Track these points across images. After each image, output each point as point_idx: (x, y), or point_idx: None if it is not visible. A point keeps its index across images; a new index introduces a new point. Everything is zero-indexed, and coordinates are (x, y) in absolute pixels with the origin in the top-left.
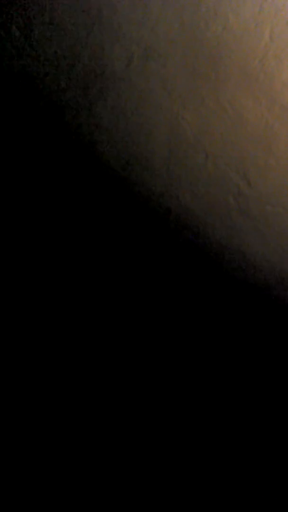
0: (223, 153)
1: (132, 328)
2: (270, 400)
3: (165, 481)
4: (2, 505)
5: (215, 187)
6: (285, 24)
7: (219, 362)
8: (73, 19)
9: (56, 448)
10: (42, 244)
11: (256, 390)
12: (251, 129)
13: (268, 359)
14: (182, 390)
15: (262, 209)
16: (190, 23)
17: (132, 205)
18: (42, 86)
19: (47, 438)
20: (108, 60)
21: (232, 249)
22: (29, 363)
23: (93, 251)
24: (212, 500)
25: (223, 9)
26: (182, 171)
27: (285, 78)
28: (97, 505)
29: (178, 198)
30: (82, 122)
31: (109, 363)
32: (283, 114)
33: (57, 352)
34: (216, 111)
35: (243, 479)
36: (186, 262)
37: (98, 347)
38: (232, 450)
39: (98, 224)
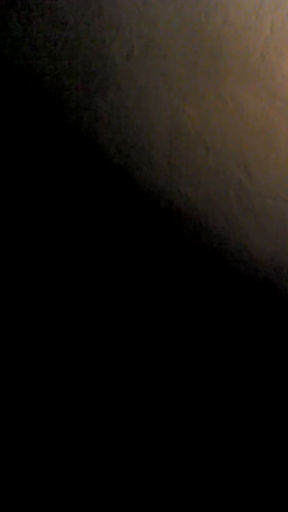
0: (224, 147)
1: (133, 321)
2: (271, 394)
3: (165, 480)
4: (2, 505)
5: (216, 180)
6: (286, 17)
7: (220, 356)
8: (74, 12)
9: (56, 447)
10: (41, 238)
11: (257, 383)
12: (251, 123)
13: (269, 352)
14: (182, 385)
15: (263, 202)
16: (190, 16)
17: (133, 199)
18: (42, 79)
19: (47, 438)
20: (108, 53)
21: (233, 242)
22: (27, 357)
23: (94, 244)
24: (212, 500)
25: (223, 2)
26: (183, 164)
27: (285, 72)
28: (97, 505)
29: (179, 191)
30: (83, 115)
31: (109, 357)
32: (283, 107)
33: (56, 345)
34: (216, 104)
35: (243, 478)
36: (187, 255)
37: (98, 340)
38: (233, 447)
39: (99, 218)
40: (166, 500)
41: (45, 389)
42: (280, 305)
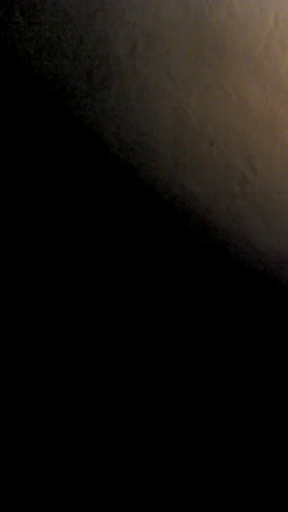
0: (228, 140)
1: (135, 316)
2: (272, 386)
3: (165, 480)
4: (2, 505)
5: (220, 174)
6: None
7: (222, 347)
8: (77, 5)
9: (55, 447)
10: (42, 232)
11: (259, 375)
12: (255, 116)
13: (270, 343)
14: (183, 375)
15: (267, 195)
16: (194, 9)
17: (136, 192)
18: (46, 72)
19: (46, 438)
20: (112, 47)
21: (237, 236)
22: (27, 357)
23: (96, 238)
24: (212, 500)
25: None
26: (187, 158)
27: None
28: (97, 505)
29: (183, 185)
30: (86, 109)
31: (111, 345)
32: None
33: (57, 334)
34: (220, 97)
35: (243, 477)
36: (190, 248)
37: (99, 334)
38: (234, 443)
39: (102, 212)
40: (166, 499)
41: (45, 386)
42: (284, 299)
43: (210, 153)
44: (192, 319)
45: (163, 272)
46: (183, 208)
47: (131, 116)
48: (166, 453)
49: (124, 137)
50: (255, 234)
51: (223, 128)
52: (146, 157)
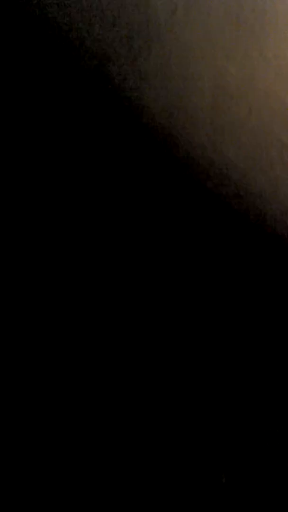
0: (267, 106)
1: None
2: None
3: (165, 480)
4: (2, 505)
5: (258, 140)
6: None
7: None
8: None
9: (56, 447)
10: (81, 192)
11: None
12: None
13: None
14: (185, 369)
15: None
16: None
17: (175, 158)
18: (87, 37)
19: (46, 438)
20: (152, 11)
21: (275, 203)
22: (27, 354)
23: (133, 203)
24: (212, 500)
25: None
26: (226, 123)
27: None
28: (97, 505)
29: (221, 150)
30: (127, 74)
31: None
32: None
33: (58, 328)
34: (260, 63)
35: (244, 476)
36: (227, 214)
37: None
38: (235, 437)
39: (140, 176)
40: (166, 499)
41: (44, 385)
42: None
43: (249, 119)
44: (224, 290)
45: (198, 238)
46: (221, 174)
47: (171, 81)
48: (166, 451)
49: (163, 102)
50: None
51: (263, 95)
52: (185, 122)
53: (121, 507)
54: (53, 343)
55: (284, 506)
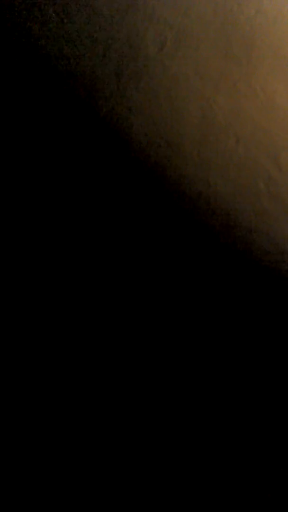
0: (254, 138)
1: (151, 315)
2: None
3: (165, 480)
4: (2, 505)
5: (246, 171)
6: None
7: (239, 350)
8: (109, 3)
9: (56, 447)
10: (70, 222)
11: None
12: (282, 114)
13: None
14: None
15: None
16: (223, 6)
17: (162, 189)
18: (76, 69)
19: (46, 438)
20: (142, 44)
21: (261, 234)
22: (27, 355)
23: (120, 234)
24: (212, 500)
25: None
26: (213, 155)
27: None
28: (97, 505)
29: (209, 182)
30: (115, 105)
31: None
32: None
33: (59, 325)
34: (247, 95)
35: (244, 477)
36: (215, 246)
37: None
38: (234, 437)
39: (127, 207)
40: (166, 499)
41: (45, 385)
42: None
43: (236, 150)
44: (213, 318)
45: (187, 270)
46: (208, 205)
47: (159, 112)
48: (166, 451)
49: (151, 134)
50: (279, 231)
51: (250, 126)
52: (173, 153)
53: (121, 507)
54: (53, 343)
55: (284, 506)
